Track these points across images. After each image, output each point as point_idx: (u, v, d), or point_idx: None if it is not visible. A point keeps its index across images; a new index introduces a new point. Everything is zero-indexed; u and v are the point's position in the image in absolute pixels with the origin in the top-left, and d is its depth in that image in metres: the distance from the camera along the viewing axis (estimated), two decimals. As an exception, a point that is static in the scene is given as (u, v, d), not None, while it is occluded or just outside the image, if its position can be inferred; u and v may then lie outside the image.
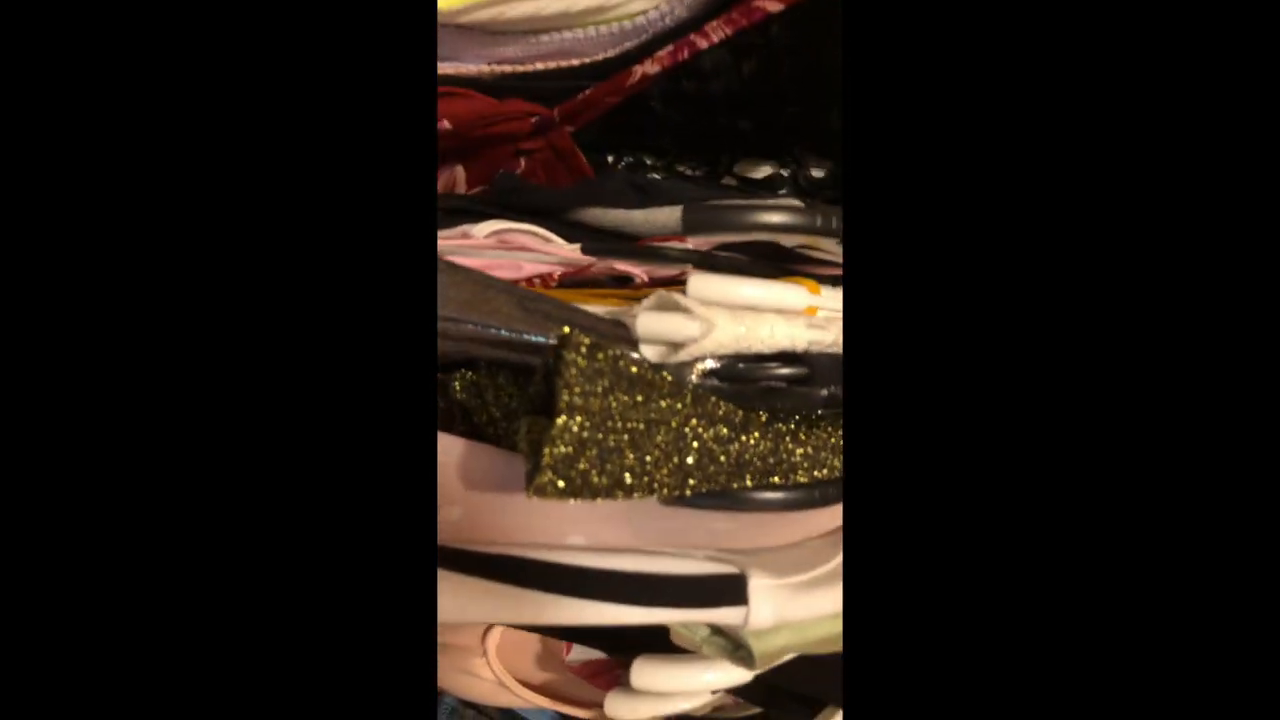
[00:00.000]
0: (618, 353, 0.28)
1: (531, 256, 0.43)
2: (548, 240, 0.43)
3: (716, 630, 0.31)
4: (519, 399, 0.36)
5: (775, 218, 0.28)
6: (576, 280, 0.43)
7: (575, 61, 0.40)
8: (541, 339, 0.34)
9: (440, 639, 0.51)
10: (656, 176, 0.43)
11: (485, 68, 0.42)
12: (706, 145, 0.49)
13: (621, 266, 0.41)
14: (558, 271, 0.43)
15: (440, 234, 0.43)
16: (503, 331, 0.34)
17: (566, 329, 0.28)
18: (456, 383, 0.37)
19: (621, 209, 0.39)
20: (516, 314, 0.34)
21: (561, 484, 0.27)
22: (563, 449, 0.27)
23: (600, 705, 0.52)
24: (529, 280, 0.43)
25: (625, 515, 0.31)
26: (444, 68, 0.41)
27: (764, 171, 0.49)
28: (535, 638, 0.52)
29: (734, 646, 0.30)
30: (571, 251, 0.42)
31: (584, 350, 0.27)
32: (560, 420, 0.27)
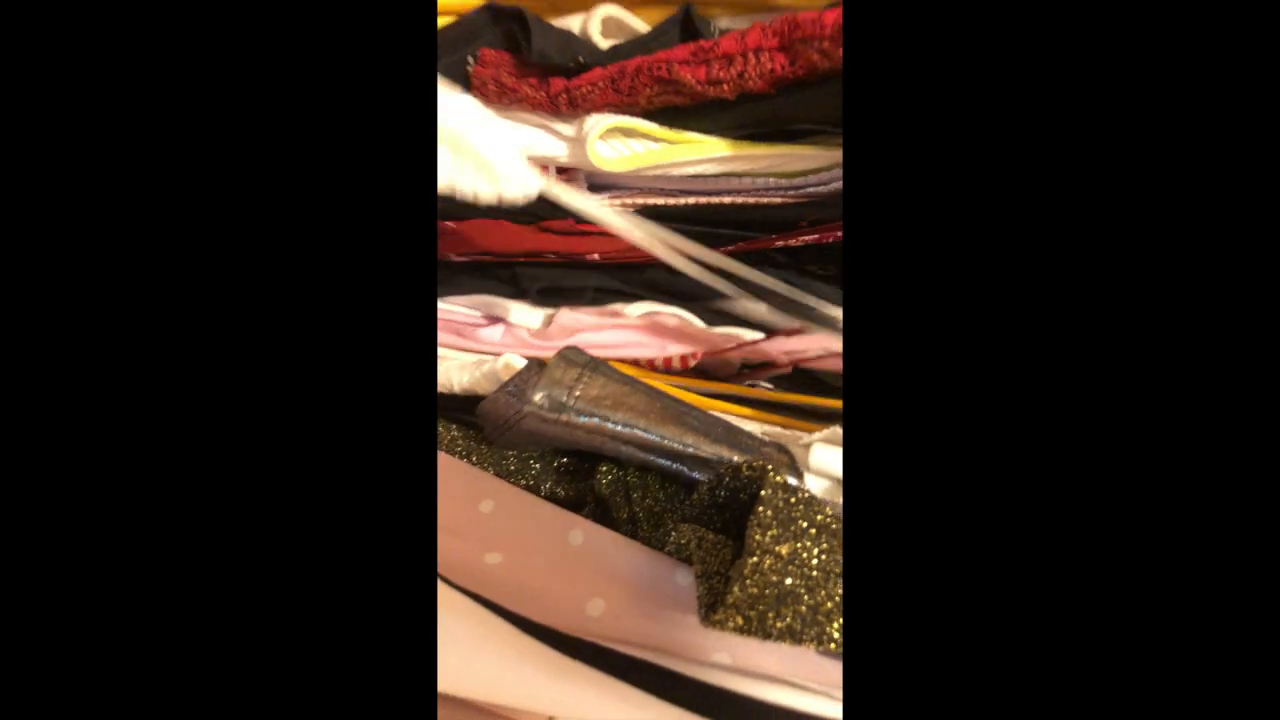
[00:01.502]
0: (810, 496, 0.28)
1: (675, 336, 0.44)
2: (692, 324, 0.43)
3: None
4: (664, 504, 0.36)
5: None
6: (714, 363, 0.44)
7: (727, 200, 0.39)
8: (681, 446, 0.34)
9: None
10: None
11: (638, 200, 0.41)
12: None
13: (773, 349, 0.41)
14: (700, 353, 0.43)
15: (590, 310, 0.43)
16: (649, 434, 0.35)
17: (769, 466, 0.28)
18: (602, 478, 0.38)
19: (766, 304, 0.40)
20: (669, 420, 0.35)
21: (740, 621, 0.27)
22: (751, 589, 0.27)
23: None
24: (667, 360, 0.44)
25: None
26: (592, 207, 0.39)
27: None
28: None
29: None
30: (714, 336, 0.43)
31: (781, 494, 0.28)
32: (753, 560, 0.27)
